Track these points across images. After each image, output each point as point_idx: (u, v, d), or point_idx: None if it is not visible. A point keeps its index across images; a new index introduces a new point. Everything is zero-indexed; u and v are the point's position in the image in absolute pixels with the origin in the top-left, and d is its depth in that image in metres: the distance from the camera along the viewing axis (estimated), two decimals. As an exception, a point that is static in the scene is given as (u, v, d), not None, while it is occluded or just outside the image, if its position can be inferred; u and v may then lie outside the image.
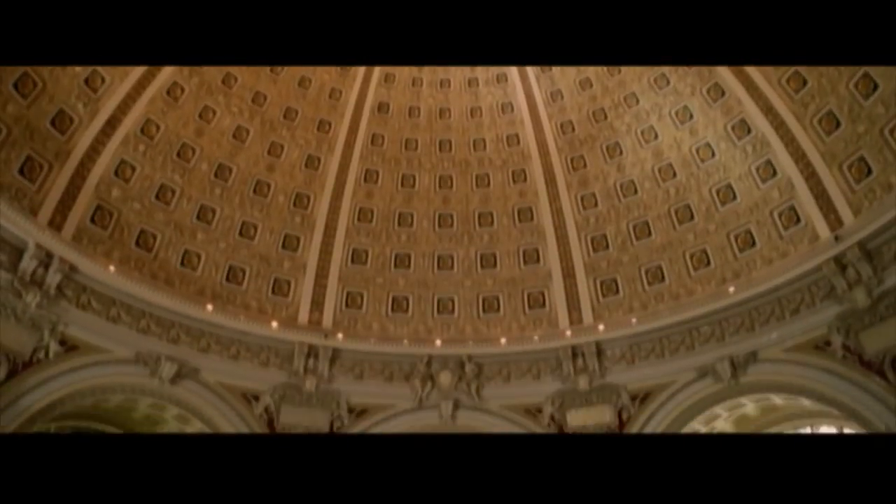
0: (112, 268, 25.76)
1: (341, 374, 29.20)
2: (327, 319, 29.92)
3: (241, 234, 30.27)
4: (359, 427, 28.50)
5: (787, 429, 27.37)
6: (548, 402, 28.68)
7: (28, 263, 23.46)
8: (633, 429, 27.41)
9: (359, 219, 32.33)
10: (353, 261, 31.51)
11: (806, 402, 25.20)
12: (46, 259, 23.87)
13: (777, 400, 26.16)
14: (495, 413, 28.98)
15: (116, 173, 27.40)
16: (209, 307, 27.70)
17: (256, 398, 27.80)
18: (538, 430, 28.38)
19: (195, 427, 26.86)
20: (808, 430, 27.08)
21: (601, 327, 29.05)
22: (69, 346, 24.36)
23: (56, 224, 24.94)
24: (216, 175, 30.22)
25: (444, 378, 29.39)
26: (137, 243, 27.58)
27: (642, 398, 27.75)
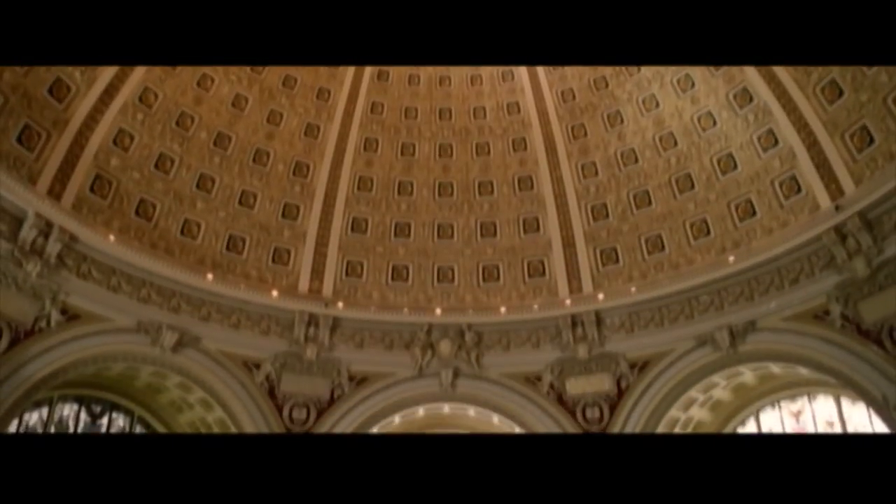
0: (112, 237, 25.75)
1: (342, 343, 29.35)
2: (327, 288, 29.98)
3: (240, 202, 30.21)
4: (359, 395, 28.70)
5: (785, 397, 27.60)
6: (547, 371, 28.86)
7: (28, 233, 23.45)
8: (632, 397, 27.63)
9: (358, 187, 32.25)
10: (352, 229, 31.48)
11: (803, 371, 25.37)
12: (46, 228, 23.85)
13: (775, 369, 26.32)
14: (495, 381, 29.17)
15: (115, 142, 27.27)
16: (209, 276, 27.76)
17: (257, 366, 27.97)
18: (537, 398, 28.59)
19: (197, 395, 27.06)
20: (804, 400, 27.28)
21: (601, 296, 29.12)
22: (70, 315, 24.45)
23: (55, 193, 24.88)
24: (215, 144, 30.08)
25: (444, 346, 29.53)
26: (137, 212, 27.54)
27: (641, 366, 27.93)
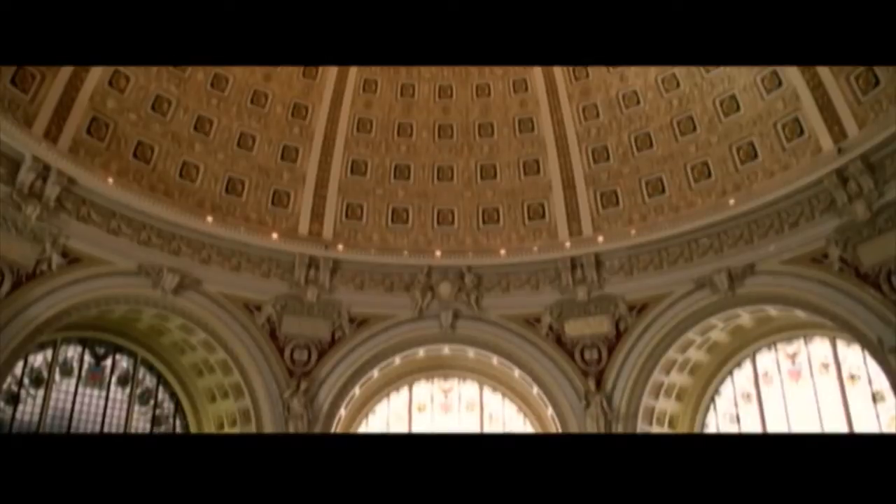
0: (110, 180, 25.65)
1: (342, 285, 29.51)
2: (327, 231, 30.00)
3: (239, 145, 29.99)
4: (360, 336, 28.98)
5: (781, 340, 27.84)
6: (546, 313, 29.09)
7: (25, 176, 23.36)
8: (630, 339, 27.90)
9: (358, 129, 31.97)
10: (352, 172, 31.34)
11: (800, 314, 25.55)
12: (44, 171, 23.74)
13: (772, 311, 26.51)
14: (494, 323, 29.42)
15: (111, 83, 26.92)
16: (209, 219, 27.75)
17: (258, 308, 28.17)
18: (536, 339, 28.87)
19: (199, 337, 27.32)
20: (800, 342, 27.53)
21: (600, 239, 29.16)
22: (71, 259, 24.53)
23: (52, 136, 24.68)
24: (212, 85, 29.68)
25: (444, 289, 29.69)
26: (135, 155, 27.37)
27: (640, 309, 28.14)
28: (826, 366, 26.77)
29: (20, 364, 25.02)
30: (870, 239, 23.31)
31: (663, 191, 29.13)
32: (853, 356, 26.05)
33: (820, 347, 27.03)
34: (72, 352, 26.91)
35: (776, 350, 28.07)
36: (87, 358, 27.24)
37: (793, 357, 27.68)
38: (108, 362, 27.72)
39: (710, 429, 28.91)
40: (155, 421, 28.37)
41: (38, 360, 26.03)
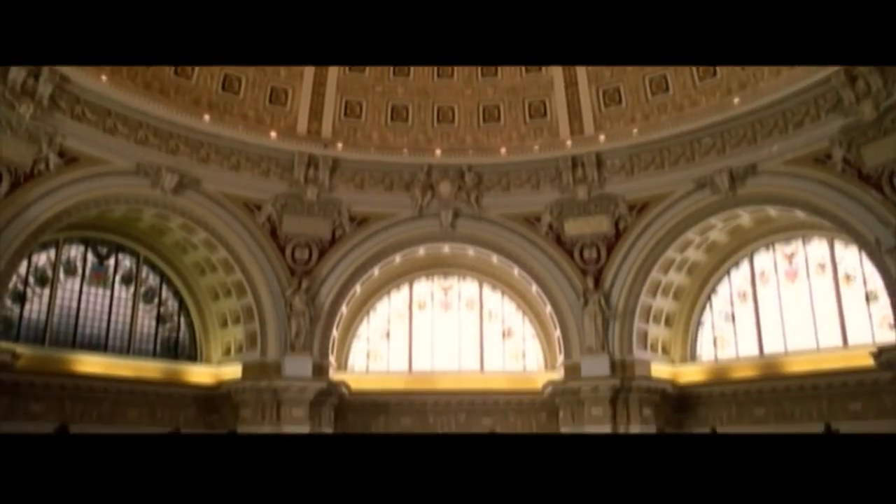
0: (104, 77, 25.13)
1: (342, 184, 29.41)
2: (326, 129, 29.62)
3: (234, 40, 29.17)
4: (360, 235, 29.12)
5: (779, 240, 27.99)
6: (546, 212, 29.13)
7: (17, 73, 22.87)
8: (630, 238, 28.08)
9: (356, 23, 31.04)
10: (350, 69, 30.62)
11: (800, 215, 25.60)
12: (35, 69, 23.24)
13: (772, 212, 26.54)
14: (494, 222, 29.50)
15: (100, -25, 25.97)
16: (206, 117, 27.37)
17: (258, 207, 28.20)
18: (536, 238, 29.02)
19: (200, 236, 27.45)
20: (798, 242, 27.68)
21: (602, 137, 28.87)
22: (69, 158, 24.36)
23: (42, 32, 23.98)
24: (205, -24, 28.64)
25: (444, 187, 29.61)
26: (128, 51, 26.68)
27: (640, 208, 28.18)
28: (822, 266, 27.01)
29: (24, 264, 25.23)
30: (874, 139, 23.07)
31: (667, 89, 28.58)
32: (850, 257, 26.26)
33: (817, 248, 27.21)
34: (74, 251, 27.08)
35: (774, 250, 28.27)
36: (90, 257, 27.45)
37: (790, 257, 27.90)
38: (111, 262, 27.95)
39: (706, 327, 29.48)
40: (160, 319, 28.86)
41: (41, 259, 26.23)
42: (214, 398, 27.93)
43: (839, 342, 25.90)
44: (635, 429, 26.89)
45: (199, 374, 28.51)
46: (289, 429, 26.56)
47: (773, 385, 26.43)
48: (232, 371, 27.98)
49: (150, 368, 27.48)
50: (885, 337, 24.21)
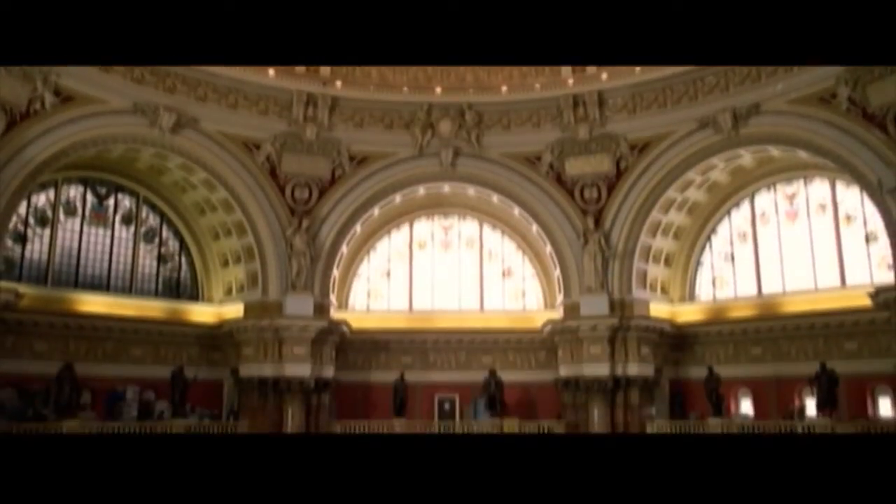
0: (98, 14, 24.64)
1: (341, 123, 29.13)
2: (324, 67, 29.18)
3: (229, -26, 28.55)
4: (360, 174, 28.97)
5: (781, 181, 27.88)
6: (547, 151, 28.92)
7: (7, 9, 22.44)
8: (630, 178, 27.94)
9: (353, -44, 30.32)
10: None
11: (802, 155, 25.42)
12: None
13: (774, 152, 26.35)
14: (495, 161, 29.32)
15: None
16: (203, 54, 26.88)
17: (257, 147, 28.00)
18: (537, 177, 28.88)
19: (199, 176, 27.34)
20: (800, 183, 27.57)
21: (604, 76, 28.44)
22: (64, 97, 24.13)
23: (33, -34, 23.47)
24: None
25: (445, 126, 29.34)
26: (121, -14, 26.14)
27: (641, 148, 27.97)
28: (823, 207, 26.98)
29: (24, 204, 25.21)
30: (881, 78, 22.76)
31: (671, 25, 28.01)
32: (851, 198, 26.21)
33: (819, 188, 27.13)
34: (73, 192, 27.04)
35: (775, 191, 28.18)
36: (90, 198, 27.42)
37: (791, 198, 27.83)
38: (111, 202, 27.93)
39: (706, 267, 29.58)
40: (161, 259, 28.96)
41: (41, 200, 26.22)
42: (217, 337, 28.23)
43: (837, 283, 26.06)
44: (633, 368, 27.23)
45: (201, 313, 28.75)
46: (290, 367, 26.91)
47: (771, 325, 26.68)
48: (233, 310, 28.21)
49: (152, 308, 27.71)
50: (884, 277, 24.31)
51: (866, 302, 23.27)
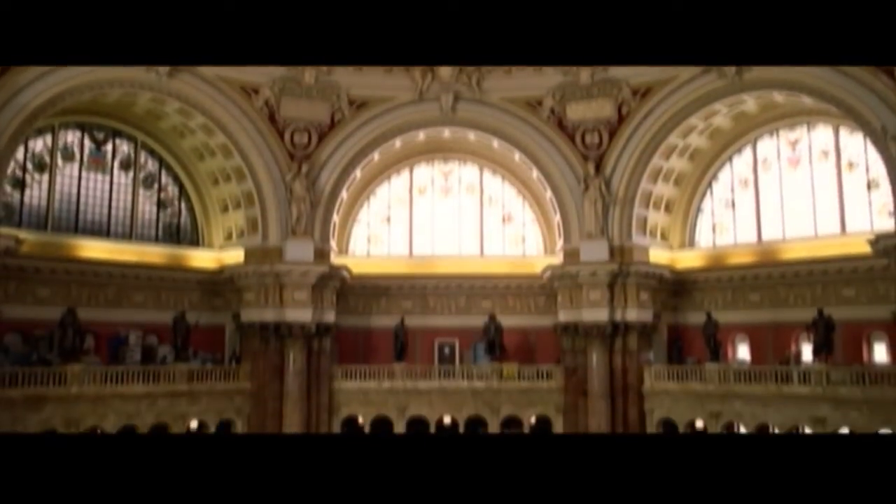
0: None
1: (340, 66, 28.70)
2: (323, 9, 28.64)
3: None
4: (359, 119, 28.70)
5: (784, 126, 27.64)
6: (548, 95, 28.62)
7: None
8: (632, 123, 27.72)
9: None
10: (347, -57, 29.38)
11: (806, 100, 25.18)
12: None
13: (778, 97, 26.07)
14: (495, 105, 29.02)
15: None
16: (199, -4, 26.41)
17: (256, 91, 27.69)
18: (538, 122, 28.64)
19: (197, 121, 27.08)
20: (803, 129, 27.35)
21: (607, 19, 27.92)
22: (59, 40, 23.69)
23: None
24: None
25: (445, 70, 28.89)
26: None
27: (643, 93, 27.67)
28: (826, 153, 26.82)
29: (21, 150, 25.05)
30: (892, 23, 22.36)
31: (676, -34, 27.45)
32: (854, 144, 26.04)
33: (822, 135, 26.93)
34: (71, 137, 26.81)
35: (778, 137, 27.97)
36: (87, 143, 27.20)
37: (793, 144, 27.64)
38: (109, 147, 27.72)
39: (706, 214, 29.56)
40: (160, 204, 28.89)
41: (38, 145, 26.03)
42: (218, 282, 28.36)
43: (837, 229, 26.07)
44: (632, 313, 27.43)
45: (202, 258, 28.82)
46: (291, 312, 27.09)
47: (770, 271, 26.80)
48: (234, 255, 28.27)
49: (152, 253, 27.76)
50: (884, 224, 24.32)
51: (866, 249, 23.32)
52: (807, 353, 25.44)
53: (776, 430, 24.31)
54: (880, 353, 24.82)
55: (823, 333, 23.90)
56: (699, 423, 26.05)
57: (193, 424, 25.94)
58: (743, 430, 25.32)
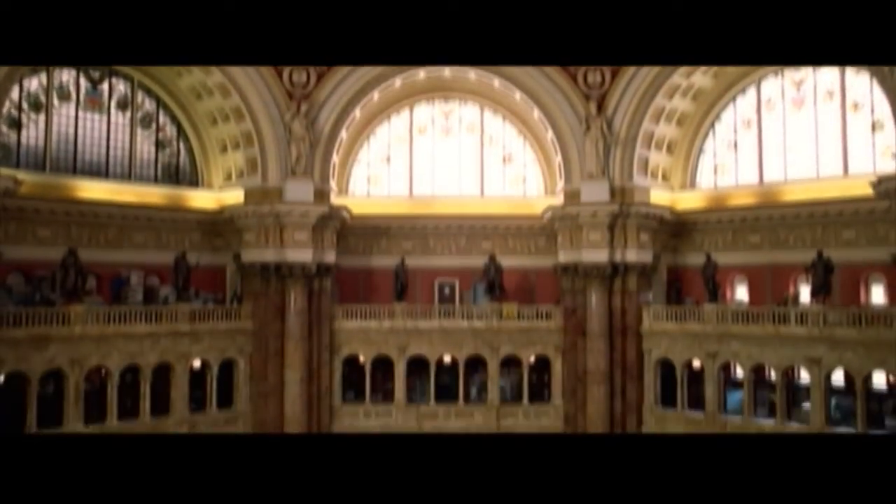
0: None
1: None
2: (320, -58, 27.98)
3: None
4: None
5: (788, 66, 27.17)
6: (551, 33, 28.08)
7: None
8: (635, 62, 27.27)
9: None
10: None
11: (813, 39, 24.70)
12: None
13: (785, 36, 25.59)
14: (497, 44, 28.50)
15: None
16: (193, -70, 25.76)
17: (253, 28, 27.17)
18: None
19: None
20: (808, 69, 26.87)
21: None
22: (51, -23, 23.19)
23: None
24: None
25: (446, 6, 28.36)
26: None
27: (647, 31, 27.14)
28: (831, 94, 26.47)
29: (16, 89, 24.75)
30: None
31: None
32: (859, 84, 25.67)
33: (827, 75, 26.49)
34: (66, 76, 26.42)
35: (782, 77, 27.56)
36: (83, 82, 26.81)
37: (798, 84, 27.25)
38: (105, 86, 27.34)
39: (708, 154, 29.36)
40: (159, 144, 28.67)
41: (33, 84, 25.68)
42: (218, 223, 28.36)
43: (840, 171, 25.90)
44: (632, 254, 27.49)
45: (202, 199, 28.76)
46: (292, 252, 27.16)
47: (770, 213, 26.74)
48: (234, 196, 28.19)
49: (152, 194, 27.68)
50: (887, 166, 24.16)
51: (867, 191, 23.19)
52: (805, 294, 25.56)
53: (772, 371, 24.61)
54: (878, 295, 24.94)
55: (822, 275, 23.95)
56: (696, 363, 26.36)
57: (196, 363, 26.29)
58: (739, 370, 25.65)
